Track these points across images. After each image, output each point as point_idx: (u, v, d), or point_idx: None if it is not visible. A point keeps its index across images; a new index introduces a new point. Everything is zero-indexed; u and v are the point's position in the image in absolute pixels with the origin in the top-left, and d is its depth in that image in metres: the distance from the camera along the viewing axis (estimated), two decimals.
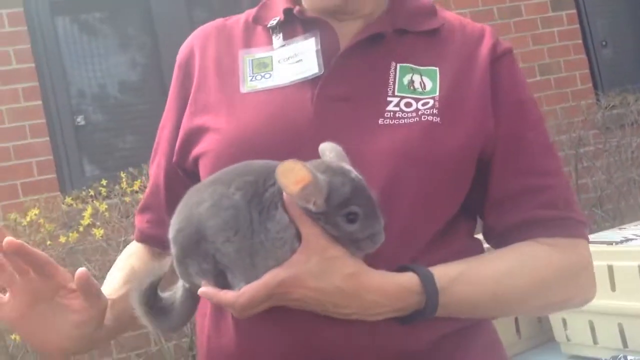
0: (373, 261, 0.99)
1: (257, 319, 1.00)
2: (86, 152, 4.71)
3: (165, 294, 1.09)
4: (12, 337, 3.51)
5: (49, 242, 3.67)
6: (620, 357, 1.69)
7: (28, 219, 3.65)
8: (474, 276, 1.03)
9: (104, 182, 3.86)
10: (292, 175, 0.92)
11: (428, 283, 0.99)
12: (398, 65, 1.10)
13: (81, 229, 3.65)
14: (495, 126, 1.08)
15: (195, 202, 1.01)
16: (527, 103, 1.12)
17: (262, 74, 1.14)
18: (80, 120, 4.63)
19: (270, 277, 0.95)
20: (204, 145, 1.12)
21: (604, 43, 5.34)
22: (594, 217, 4.47)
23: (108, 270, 3.83)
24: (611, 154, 4.66)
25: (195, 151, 1.14)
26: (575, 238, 1.10)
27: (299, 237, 0.97)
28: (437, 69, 1.10)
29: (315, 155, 1.01)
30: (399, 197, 1.02)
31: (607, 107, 4.78)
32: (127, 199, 3.71)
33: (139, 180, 3.60)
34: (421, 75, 1.10)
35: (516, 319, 1.95)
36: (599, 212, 4.53)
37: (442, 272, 1.01)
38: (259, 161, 1.00)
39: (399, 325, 1.01)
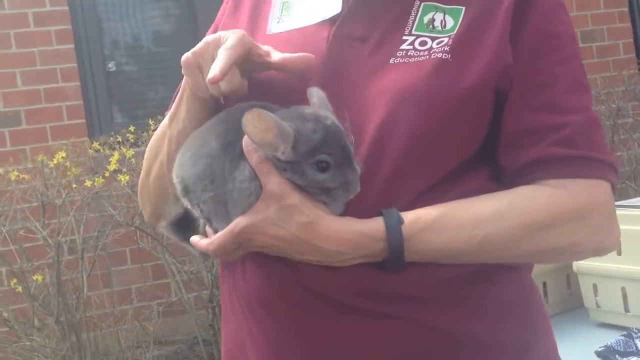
0: (363, 203, 0.97)
1: (259, 260, 1.01)
2: (116, 99, 4.69)
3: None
4: (34, 278, 3.53)
5: (74, 186, 3.67)
6: None
7: (55, 161, 3.64)
8: (453, 220, 0.98)
9: (132, 128, 3.83)
10: (259, 124, 0.91)
11: (393, 230, 0.96)
12: (422, 3, 1.07)
13: (107, 174, 3.64)
14: (514, 60, 1.02)
15: (183, 150, 1.03)
16: (561, 38, 1.05)
17: (289, 15, 1.14)
18: (111, 66, 4.60)
19: (233, 225, 0.96)
20: None
21: None
22: (627, 190, 4.38)
23: (133, 217, 3.82)
24: None
25: None
26: (591, 179, 1.03)
27: None
28: (464, 8, 1.05)
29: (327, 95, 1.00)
30: (396, 136, 0.99)
31: None
32: None
33: None
34: (444, 14, 1.05)
35: (544, 283, 1.89)
36: (633, 186, 4.44)
37: (416, 217, 0.97)
38: (251, 104, 0.98)
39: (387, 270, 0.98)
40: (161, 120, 1.17)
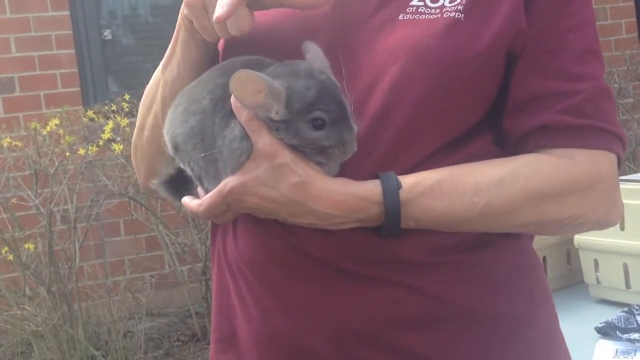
0: (366, 164, 0.93)
1: (250, 222, 0.97)
2: (112, 68, 4.63)
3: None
4: (26, 246, 3.50)
5: (68, 154, 3.62)
6: None
7: (48, 128, 3.59)
8: (454, 186, 0.94)
9: (127, 97, 3.78)
10: (248, 86, 0.87)
11: (390, 194, 0.92)
12: None
13: (101, 143, 3.60)
14: (527, 24, 0.98)
15: (175, 104, 0.99)
16: (574, 3, 1.02)
17: None
18: (107, 34, 4.54)
19: (222, 185, 0.92)
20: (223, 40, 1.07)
21: None
22: (626, 170, 4.36)
23: (126, 187, 3.77)
24: None
25: (220, 44, 1.09)
26: (598, 150, 0.99)
27: None
28: None
29: (327, 49, 0.95)
30: (405, 96, 0.95)
31: None
32: None
33: None
34: None
35: (544, 258, 1.86)
36: (632, 166, 4.42)
37: (415, 182, 0.93)
38: (244, 58, 0.94)
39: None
40: None
